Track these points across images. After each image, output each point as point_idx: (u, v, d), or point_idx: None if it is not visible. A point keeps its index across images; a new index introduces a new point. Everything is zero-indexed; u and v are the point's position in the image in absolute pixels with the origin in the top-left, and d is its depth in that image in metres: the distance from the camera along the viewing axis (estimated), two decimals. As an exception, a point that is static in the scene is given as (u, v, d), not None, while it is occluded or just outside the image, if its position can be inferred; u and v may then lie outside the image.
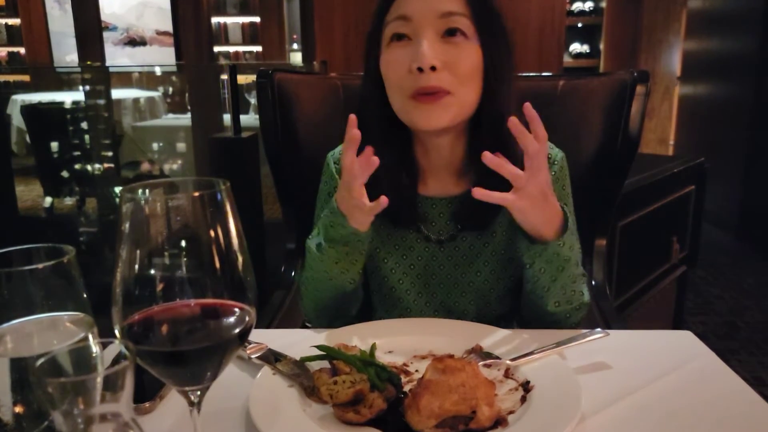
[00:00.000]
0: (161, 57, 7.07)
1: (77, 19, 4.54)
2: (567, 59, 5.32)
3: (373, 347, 0.82)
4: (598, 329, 0.85)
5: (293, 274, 1.36)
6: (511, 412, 0.70)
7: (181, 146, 4.12)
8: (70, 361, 0.47)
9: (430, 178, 1.02)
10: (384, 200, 0.86)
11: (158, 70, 5.41)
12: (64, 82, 4.93)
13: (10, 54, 7.89)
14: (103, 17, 5.72)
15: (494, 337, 0.86)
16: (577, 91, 1.27)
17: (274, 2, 7.39)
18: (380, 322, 0.97)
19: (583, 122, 1.26)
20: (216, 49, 7.13)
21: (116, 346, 0.51)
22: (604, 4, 5.34)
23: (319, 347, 0.78)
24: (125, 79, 5.19)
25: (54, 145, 3.98)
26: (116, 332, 0.50)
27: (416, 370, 0.80)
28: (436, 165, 1.01)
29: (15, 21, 7.63)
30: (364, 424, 0.68)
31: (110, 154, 3.71)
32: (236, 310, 0.52)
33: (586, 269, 1.20)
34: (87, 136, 3.77)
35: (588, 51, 5.53)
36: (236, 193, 0.52)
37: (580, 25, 5.48)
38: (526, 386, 0.74)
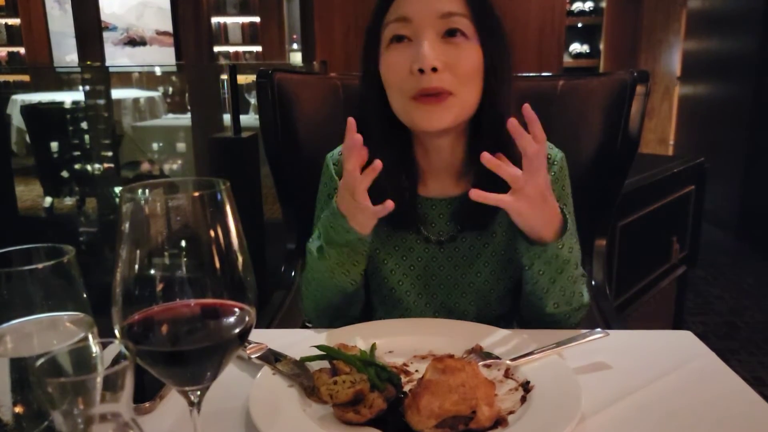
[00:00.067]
0: (161, 57, 7.07)
1: (77, 19, 4.54)
2: (567, 59, 5.32)
3: (373, 347, 0.82)
4: (598, 329, 0.85)
5: (293, 274, 1.36)
6: (511, 412, 0.70)
7: (181, 146, 4.12)
8: (70, 361, 0.47)
9: (429, 179, 1.02)
10: (390, 204, 0.86)
11: (158, 70, 5.41)
12: (64, 82, 4.93)
13: (10, 54, 7.89)
14: (103, 17, 5.72)
15: (494, 337, 0.86)
16: (576, 91, 1.27)
17: (274, 2, 7.39)
18: (380, 322, 0.97)
19: (582, 122, 1.26)
20: (216, 49, 7.13)
21: (116, 346, 0.51)
22: (604, 4, 5.34)
23: (319, 347, 0.78)
24: (125, 79, 5.19)
25: (54, 145, 3.98)
26: (116, 332, 0.50)
27: (416, 370, 0.80)
28: (436, 166, 1.01)
29: (15, 21, 7.63)
30: (364, 424, 0.68)
31: (110, 154, 3.71)
32: (236, 310, 0.52)
33: (586, 269, 1.20)
34: (87, 136, 3.77)
35: (588, 51, 5.53)
36: (236, 193, 0.52)
37: (580, 25, 5.48)
38: (526, 386, 0.74)
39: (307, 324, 1.10)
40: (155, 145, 4.27)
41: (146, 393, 0.73)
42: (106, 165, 3.71)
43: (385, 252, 1.03)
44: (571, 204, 1.04)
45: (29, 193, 4.90)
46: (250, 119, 3.94)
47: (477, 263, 1.02)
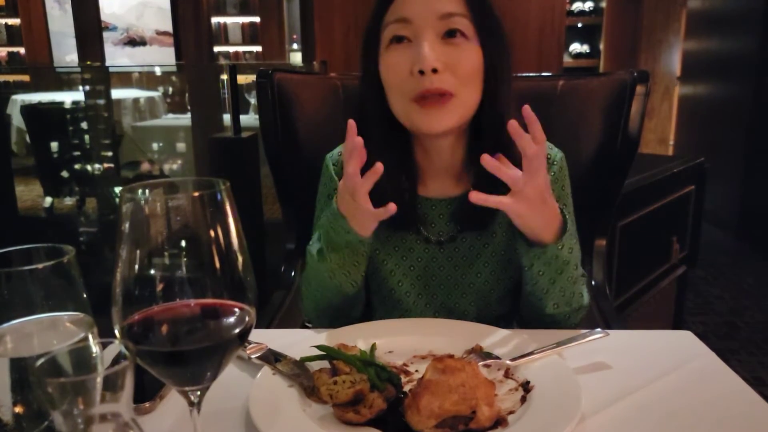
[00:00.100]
0: (161, 57, 7.08)
1: (77, 19, 4.54)
2: (567, 59, 5.32)
3: (373, 347, 0.82)
4: (598, 329, 0.85)
5: (293, 274, 1.36)
6: (511, 412, 0.70)
7: (181, 146, 4.12)
8: (70, 361, 0.47)
9: (429, 180, 1.02)
10: (392, 208, 0.86)
11: (158, 70, 5.42)
12: (64, 82, 4.93)
13: (10, 54, 7.89)
14: (103, 17, 5.72)
15: (494, 337, 0.86)
16: (576, 91, 1.27)
17: (274, 2, 7.38)
18: (380, 322, 0.97)
19: (582, 122, 1.26)
20: (216, 49, 7.13)
21: (116, 346, 0.51)
22: (604, 4, 5.34)
23: (319, 347, 0.78)
24: (125, 79, 5.19)
25: (54, 145, 3.98)
26: (116, 332, 0.50)
27: (416, 370, 0.80)
28: (436, 166, 1.01)
29: (15, 21, 7.63)
30: (364, 424, 0.68)
31: (110, 154, 3.71)
32: (236, 310, 0.52)
33: (586, 269, 1.20)
34: (87, 136, 3.77)
35: (588, 51, 5.53)
36: (236, 193, 0.52)
37: (580, 25, 5.48)
38: (526, 386, 0.74)
39: (307, 324, 1.10)
40: (155, 145, 4.27)
41: (146, 393, 0.73)
42: (106, 165, 3.71)
43: (385, 252, 1.03)
44: (571, 204, 1.04)
45: (29, 193, 4.90)
46: (250, 119, 3.94)
47: (477, 263, 1.02)
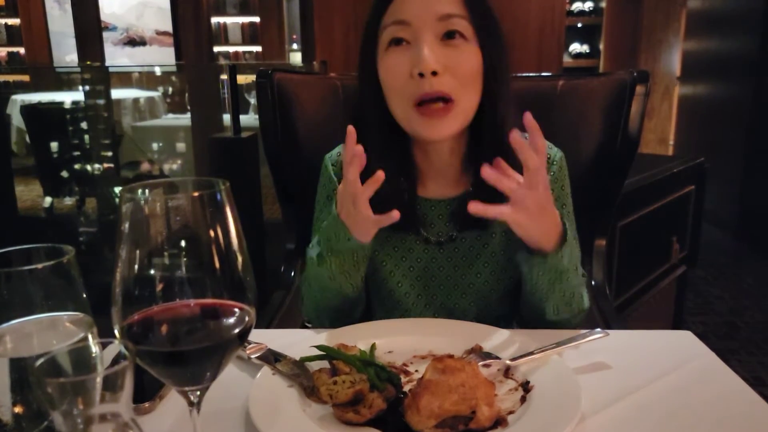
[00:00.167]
0: (161, 57, 7.08)
1: (77, 19, 4.54)
2: (567, 59, 5.32)
3: (373, 347, 0.82)
4: (598, 329, 0.85)
5: (293, 274, 1.36)
6: (511, 412, 0.70)
7: (180, 146, 4.12)
8: (69, 361, 0.47)
9: (428, 180, 1.02)
10: (396, 215, 0.85)
11: (158, 70, 5.42)
12: (63, 82, 4.93)
13: (9, 54, 7.89)
14: (102, 17, 5.72)
15: (494, 337, 0.86)
16: (576, 91, 1.27)
17: (274, 2, 7.38)
18: (380, 322, 0.97)
19: (582, 122, 1.26)
20: (216, 49, 7.13)
21: (116, 346, 0.51)
22: (603, 4, 5.34)
23: (318, 347, 0.78)
24: (125, 79, 5.19)
25: (54, 145, 3.98)
26: (116, 332, 0.50)
27: (416, 370, 0.80)
28: (436, 167, 1.01)
29: (15, 21, 7.63)
30: (363, 424, 0.68)
31: (110, 154, 3.71)
32: (236, 310, 0.52)
33: (586, 269, 1.20)
34: (87, 136, 3.77)
35: (588, 51, 5.53)
36: (236, 193, 0.52)
37: (579, 25, 5.48)
38: (526, 386, 0.74)
39: (307, 324, 1.10)
40: (155, 145, 4.27)
41: (146, 393, 0.73)
42: (105, 165, 3.71)
43: (385, 253, 1.03)
44: (571, 203, 1.03)
45: (29, 193, 4.90)
46: (249, 119, 3.94)
47: (477, 264, 1.02)
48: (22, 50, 7.68)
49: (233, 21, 7.89)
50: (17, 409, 0.53)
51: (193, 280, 0.50)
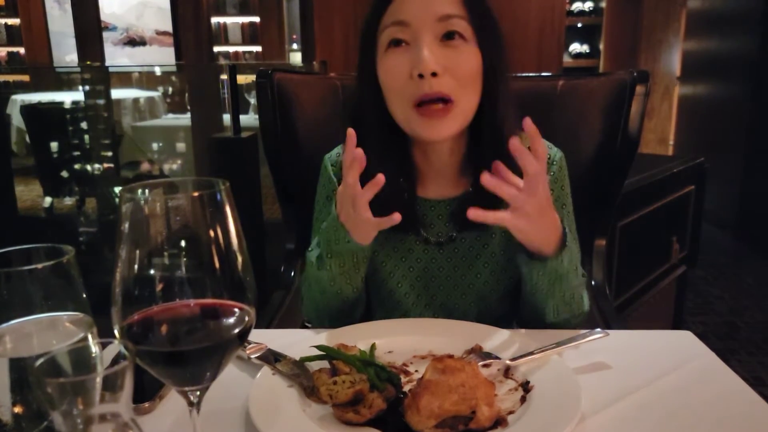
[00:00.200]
0: (161, 57, 7.08)
1: (77, 19, 4.54)
2: (567, 59, 5.32)
3: (373, 347, 0.82)
4: (598, 329, 0.85)
5: (293, 274, 1.36)
6: (510, 412, 0.70)
7: (180, 146, 4.12)
8: (69, 361, 0.47)
9: (428, 181, 1.02)
10: (397, 217, 0.85)
11: (158, 70, 5.42)
12: (63, 82, 4.93)
13: (9, 54, 7.89)
14: (102, 17, 5.72)
15: (494, 337, 0.86)
16: (576, 91, 1.27)
17: (274, 2, 7.38)
18: (380, 322, 0.96)
19: (582, 122, 1.26)
20: (216, 49, 7.13)
21: (116, 346, 0.51)
22: (603, 4, 5.34)
23: (318, 347, 0.78)
24: (125, 79, 5.19)
25: (54, 145, 3.98)
26: (115, 332, 0.50)
27: (416, 370, 0.80)
28: (435, 168, 1.01)
29: (15, 21, 7.63)
30: (363, 424, 0.68)
31: (110, 154, 3.71)
32: (236, 310, 0.52)
33: (586, 269, 1.20)
34: (87, 136, 3.77)
35: (588, 51, 5.53)
36: (236, 193, 0.52)
37: (579, 25, 5.48)
38: (526, 386, 0.74)
39: (307, 324, 1.10)
40: (155, 145, 4.27)
41: (146, 393, 0.73)
42: (105, 165, 3.71)
43: (384, 254, 1.03)
44: (571, 204, 1.03)
45: (29, 193, 4.90)
46: (249, 119, 3.94)
47: (476, 264, 1.02)
48: (22, 50, 7.68)
49: (233, 21, 7.89)
50: (17, 409, 0.53)
51: (193, 280, 0.50)
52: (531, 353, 0.79)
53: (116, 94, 4.42)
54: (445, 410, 0.65)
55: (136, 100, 4.67)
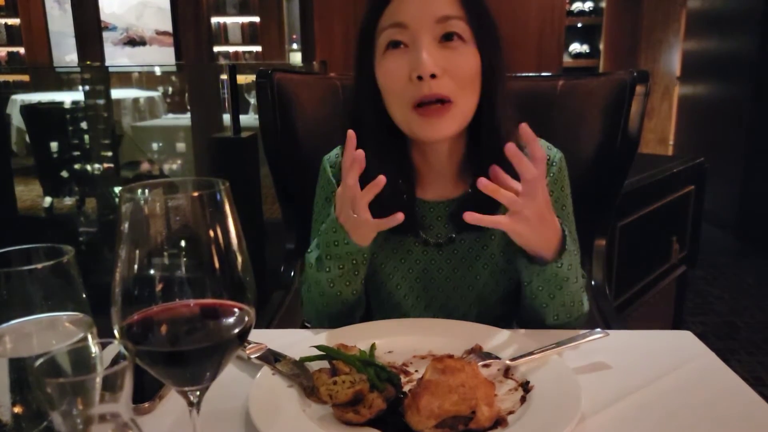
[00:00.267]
0: (161, 57, 7.08)
1: (77, 19, 4.54)
2: (567, 59, 5.32)
3: (373, 347, 0.82)
4: (598, 329, 0.85)
5: (292, 274, 1.36)
6: (510, 412, 0.70)
7: (180, 146, 4.12)
8: (69, 362, 0.47)
9: (427, 182, 1.02)
10: (400, 216, 0.85)
11: (158, 70, 5.41)
12: (63, 82, 4.93)
13: (9, 54, 7.89)
14: (102, 17, 5.72)
15: (494, 337, 0.86)
16: (576, 91, 1.27)
17: (274, 2, 7.38)
18: (380, 322, 0.96)
19: (582, 122, 1.26)
20: (216, 49, 7.13)
21: (115, 346, 0.51)
22: (603, 4, 5.34)
23: (318, 347, 0.78)
24: (125, 79, 5.19)
25: (54, 145, 3.98)
26: (115, 332, 0.50)
27: (416, 371, 0.80)
28: (434, 169, 1.00)
29: (15, 21, 7.63)
30: (363, 424, 0.68)
31: (110, 154, 3.71)
32: (235, 310, 0.52)
33: (586, 269, 1.20)
34: (87, 136, 3.77)
35: (588, 51, 5.53)
36: (236, 193, 0.52)
37: (579, 25, 5.48)
38: (526, 386, 0.74)
39: (307, 324, 1.10)
40: (155, 145, 4.27)
41: (145, 393, 0.73)
42: (105, 165, 3.71)
43: (383, 255, 1.03)
44: (571, 205, 1.03)
45: (29, 193, 4.90)
46: (249, 119, 3.94)
47: (476, 265, 1.02)
48: (22, 50, 7.68)
49: (233, 21, 7.89)
50: (17, 409, 0.53)
51: (193, 280, 0.50)
52: (531, 353, 0.79)
53: (116, 94, 4.42)
54: (445, 410, 0.65)
55: (136, 100, 4.67)
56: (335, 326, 0.90)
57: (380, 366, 0.74)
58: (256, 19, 7.72)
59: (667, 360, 0.81)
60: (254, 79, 1.31)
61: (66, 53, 7.22)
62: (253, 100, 4.10)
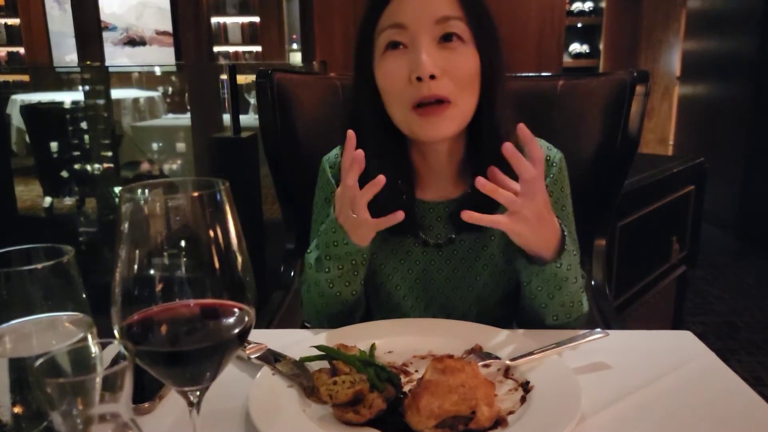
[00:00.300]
0: (161, 57, 7.07)
1: (77, 19, 4.54)
2: (567, 59, 5.32)
3: (373, 347, 0.82)
4: (598, 329, 0.85)
5: (292, 274, 1.36)
6: (510, 413, 0.70)
7: (180, 146, 4.11)
8: (69, 362, 0.47)
9: (426, 183, 1.01)
10: (400, 215, 0.85)
11: (158, 70, 5.41)
12: (63, 82, 4.93)
13: (9, 54, 7.89)
14: (102, 17, 5.72)
15: (494, 338, 0.86)
16: (576, 91, 1.27)
17: (274, 2, 7.38)
18: (380, 322, 0.96)
19: (582, 122, 1.26)
20: (216, 49, 7.13)
21: (115, 347, 0.51)
22: (603, 4, 5.34)
23: (318, 347, 0.78)
24: (125, 79, 5.19)
25: (53, 145, 3.98)
26: (115, 332, 0.50)
27: (416, 371, 0.80)
28: (434, 169, 1.00)
29: (15, 21, 7.63)
30: (363, 424, 0.68)
31: (110, 154, 3.71)
32: (235, 310, 0.52)
33: (586, 269, 1.19)
34: (86, 136, 3.77)
35: (588, 51, 5.53)
36: (236, 193, 0.52)
37: (579, 25, 5.48)
38: (526, 386, 0.74)
39: (307, 324, 1.10)
40: (155, 145, 4.27)
41: (145, 393, 0.73)
42: (105, 165, 3.71)
43: (383, 256, 1.02)
44: (570, 205, 1.03)
45: (29, 193, 4.90)
46: (249, 119, 3.94)
47: (476, 266, 1.02)
48: (22, 50, 7.68)
49: (233, 21, 7.89)
50: (17, 410, 0.53)
51: (193, 280, 0.50)
52: (531, 353, 0.79)
53: (116, 94, 4.42)
54: (445, 410, 0.65)
55: (135, 100, 4.67)
56: (335, 326, 0.90)
57: (380, 366, 0.74)
58: (256, 19, 7.72)
59: (667, 360, 0.81)
60: (254, 79, 1.31)
61: (66, 53, 7.21)
62: (253, 100, 4.10)
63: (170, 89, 4.85)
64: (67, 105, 3.97)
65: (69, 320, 0.56)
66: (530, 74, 1.47)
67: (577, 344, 0.81)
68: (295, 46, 7.71)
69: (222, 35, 7.87)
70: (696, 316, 3.11)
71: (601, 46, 5.42)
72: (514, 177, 0.83)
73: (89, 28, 4.58)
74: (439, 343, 0.85)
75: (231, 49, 7.95)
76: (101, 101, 3.56)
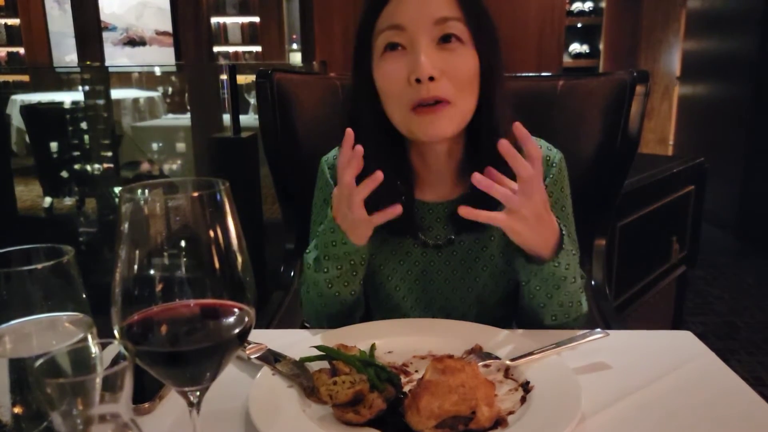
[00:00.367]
0: (161, 57, 7.07)
1: (77, 19, 4.54)
2: (566, 59, 5.32)
3: (373, 347, 0.82)
4: (598, 329, 0.85)
5: (292, 274, 1.36)
6: (511, 413, 0.70)
7: (180, 146, 4.11)
8: (69, 362, 0.47)
9: (426, 184, 1.01)
10: (398, 209, 0.85)
11: (158, 70, 5.41)
12: (63, 82, 4.93)
13: (9, 54, 7.89)
14: (102, 17, 5.71)
15: (494, 338, 0.86)
16: (576, 91, 1.27)
17: (274, 2, 7.38)
18: (380, 322, 0.96)
19: (582, 122, 1.26)
20: (216, 49, 7.13)
21: (115, 347, 0.51)
22: (603, 4, 5.34)
23: (318, 347, 0.78)
24: (125, 79, 5.19)
25: (53, 145, 3.98)
26: (115, 332, 0.50)
27: (416, 371, 0.80)
28: (433, 170, 1.00)
29: (14, 21, 7.63)
30: (363, 424, 0.68)
31: (110, 154, 3.71)
32: (235, 310, 0.52)
33: (586, 269, 1.19)
34: (86, 136, 3.77)
35: (588, 51, 5.53)
36: (236, 193, 0.52)
37: (579, 25, 5.48)
38: (526, 386, 0.74)
39: (307, 324, 1.09)
40: (155, 145, 4.27)
41: (146, 393, 0.73)
42: (105, 165, 3.71)
43: (382, 257, 1.02)
44: (570, 205, 1.03)
45: (29, 193, 4.90)
46: (249, 119, 3.93)
47: (475, 267, 1.02)
48: (21, 50, 7.68)
49: (233, 21, 7.89)
50: (17, 410, 0.53)
51: (193, 280, 0.50)
52: (531, 353, 0.79)
53: (116, 94, 4.42)
54: (445, 410, 0.65)
55: (135, 100, 4.67)
56: (334, 326, 0.90)
57: (380, 366, 0.74)
58: (256, 19, 7.72)
59: (667, 360, 0.81)
60: (254, 79, 1.31)
61: (66, 53, 7.21)
62: (253, 100, 4.10)
63: (170, 89, 4.84)
64: (67, 105, 3.97)
65: (69, 320, 0.56)
66: (530, 74, 1.47)
67: (577, 344, 0.81)
68: (295, 46, 7.71)
69: (222, 35, 7.87)
70: (696, 316, 3.11)
71: (601, 46, 5.42)
72: (514, 178, 0.82)
73: (89, 28, 4.57)
74: (439, 343, 0.85)
75: (231, 49, 7.95)
76: (101, 101, 3.56)
